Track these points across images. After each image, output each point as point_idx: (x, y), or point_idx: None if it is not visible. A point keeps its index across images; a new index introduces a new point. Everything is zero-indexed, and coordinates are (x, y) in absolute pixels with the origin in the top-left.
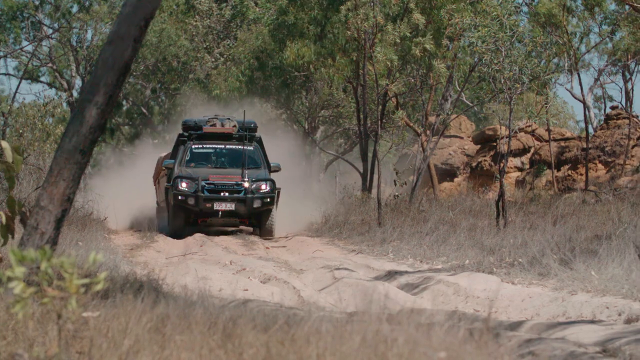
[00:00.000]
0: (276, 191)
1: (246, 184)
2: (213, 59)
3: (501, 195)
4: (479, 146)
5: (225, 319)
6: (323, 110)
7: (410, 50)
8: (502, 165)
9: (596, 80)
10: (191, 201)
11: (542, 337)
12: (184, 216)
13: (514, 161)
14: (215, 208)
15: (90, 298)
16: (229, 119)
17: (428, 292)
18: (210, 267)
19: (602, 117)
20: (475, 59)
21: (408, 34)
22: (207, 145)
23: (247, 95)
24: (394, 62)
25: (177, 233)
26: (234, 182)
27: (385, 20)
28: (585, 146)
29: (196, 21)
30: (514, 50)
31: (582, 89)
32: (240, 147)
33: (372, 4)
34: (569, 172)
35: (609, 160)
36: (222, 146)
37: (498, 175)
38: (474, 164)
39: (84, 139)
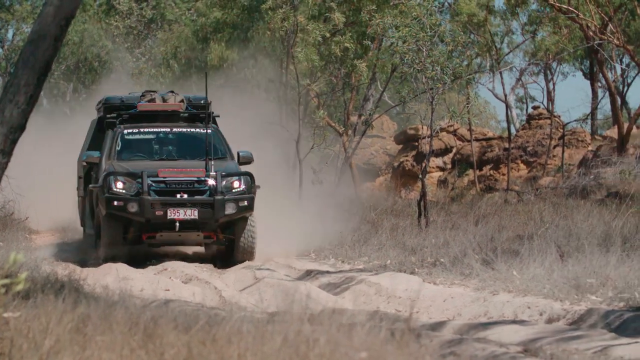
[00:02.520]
0: (254, 190)
1: (212, 181)
2: (134, 59)
3: (423, 195)
4: (401, 146)
5: (146, 319)
6: (246, 111)
7: (331, 50)
8: (424, 165)
9: (518, 80)
10: (133, 207)
11: (464, 337)
12: (122, 231)
13: (435, 161)
14: (169, 217)
15: (11, 298)
16: (172, 92)
17: (350, 292)
18: (131, 267)
19: (524, 117)
20: (397, 59)
21: (327, 34)
22: (146, 130)
23: None
24: (315, 62)
25: (112, 257)
26: (195, 179)
27: (306, 20)
28: (507, 146)
29: (116, 21)
30: (436, 50)
31: (504, 88)
32: (192, 129)
33: (291, 4)
34: (491, 172)
35: (531, 160)
36: (167, 130)
37: (420, 175)
38: (395, 164)
39: (5, 139)
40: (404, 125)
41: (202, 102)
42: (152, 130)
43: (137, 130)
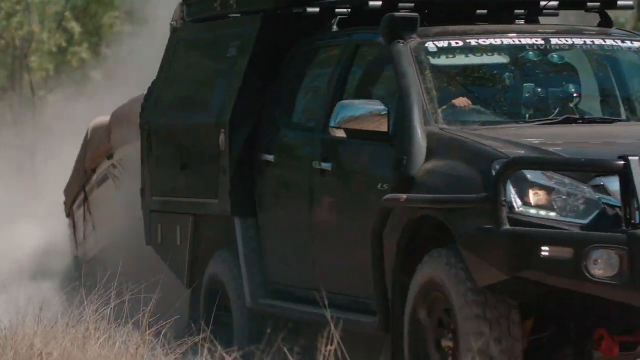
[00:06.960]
0: None
1: None
2: None
3: None
4: None
5: None
6: None
7: (66, 59)
8: None
9: None
10: (608, 266)
11: None
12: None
13: None
14: None
15: None
16: None
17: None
18: None
19: None
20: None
21: (64, 43)
22: (487, 43)
23: None
24: (50, 71)
25: None
26: None
27: (41, 29)
28: None
29: None
30: None
31: None
32: (613, 41)
33: (27, 12)
34: None
35: None
36: (540, 42)
37: None
38: None
39: None
40: None
41: None
42: (503, 43)
43: (463, 44)
